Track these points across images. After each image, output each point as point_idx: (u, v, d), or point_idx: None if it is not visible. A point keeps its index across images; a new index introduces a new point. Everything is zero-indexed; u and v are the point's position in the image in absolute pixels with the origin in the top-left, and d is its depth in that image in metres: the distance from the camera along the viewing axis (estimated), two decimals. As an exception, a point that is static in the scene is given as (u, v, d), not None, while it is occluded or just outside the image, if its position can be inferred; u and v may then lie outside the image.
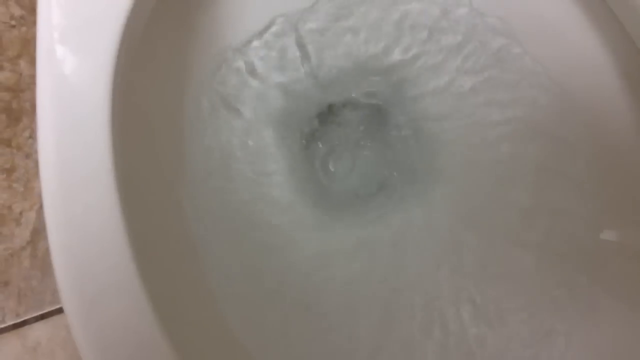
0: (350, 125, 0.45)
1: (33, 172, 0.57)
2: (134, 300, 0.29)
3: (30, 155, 0.57)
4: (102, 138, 0.30)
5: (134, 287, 0.29)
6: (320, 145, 0.44)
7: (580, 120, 0.39)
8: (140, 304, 0.29)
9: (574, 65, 0.40)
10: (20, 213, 0.57)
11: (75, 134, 0.30)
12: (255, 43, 0.42)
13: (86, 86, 0.31)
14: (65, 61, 0.31)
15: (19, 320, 0.58)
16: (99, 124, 0.30)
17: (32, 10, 0.57)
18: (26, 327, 0.59)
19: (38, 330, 0.60)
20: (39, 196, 0.54)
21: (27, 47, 0.57)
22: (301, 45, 0.42)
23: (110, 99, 0.30)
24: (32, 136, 0.57)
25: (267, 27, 0.42)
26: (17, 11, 0.56)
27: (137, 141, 0.34)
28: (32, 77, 0.56)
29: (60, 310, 0.60)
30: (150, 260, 0.30)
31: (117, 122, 0.31)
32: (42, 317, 0.60)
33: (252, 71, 0.41)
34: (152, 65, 0.36)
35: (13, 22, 0.56)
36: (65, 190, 0.29)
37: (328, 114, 0.45)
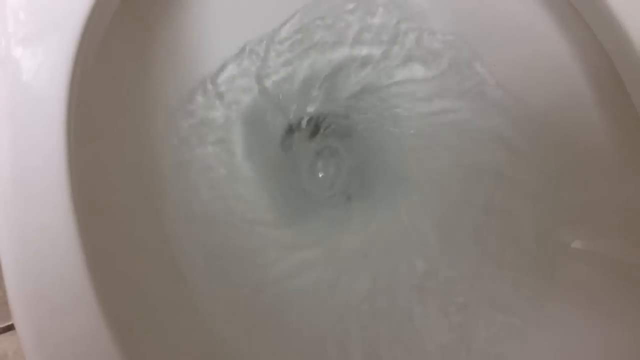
0: (316, 140, 0.45)
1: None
2: (89, 318, 0.28)
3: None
4: (59, 152, 0.29)
5: (89, 305, 0.28)
6: (290, 159, 0.44)
7: (536, 125, 0.40)
8: (96, 323, 0.28)
9: (532, 71, 0.41)
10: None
11: (31, 148, 0.29)
12: (227, 69, 0.41)
13: (43, 97, 0.30)
14: (21, 71, 0.30)
15: (-16, 332, 0.57)
16: (56, 138, 0.29)
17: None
18: (-8, 339, 0.57)
19: (4, 342, 0.58)
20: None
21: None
22: (266, 68, 0.42)
23: (67, 109, 0.30)
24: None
25: (238, 54, 0.42)
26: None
27: (96, 154, 0.34)
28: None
29: (26, 323, 0.58)
30: (108, 275, 0.29)
31: (75, 134, 0.30)
32: (9, 328, 0.59)
33: (220, 96, 0.41)
34: (113, 82, 0.36)
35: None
36: (18, 206, 0.28)
37: (295, 130, 0.45)
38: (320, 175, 0.45)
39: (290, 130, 0.44)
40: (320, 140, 0.45)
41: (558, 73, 0.40)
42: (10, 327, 0.59)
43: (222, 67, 0.41)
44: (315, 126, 0.45)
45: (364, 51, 0.43)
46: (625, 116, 0.37)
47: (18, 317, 0.28)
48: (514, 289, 0.39)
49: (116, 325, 0.28)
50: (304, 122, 0.44)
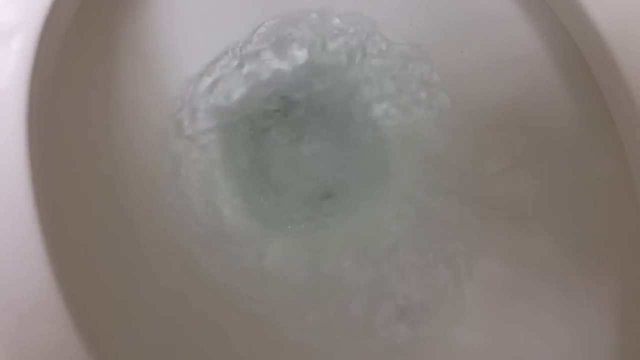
0: (295, 131, 0.45)
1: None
2: (59, 327, 0.27)
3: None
4: (21, 160, 0.29)
5: (59, 314, 0.27)
6: (268, 151, 0.44)
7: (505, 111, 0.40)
8: (66, 332, 0.27)
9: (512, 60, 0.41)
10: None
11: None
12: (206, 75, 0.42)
13: (2, 103, 0.29)
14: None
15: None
16: (17, 145, 0.29)
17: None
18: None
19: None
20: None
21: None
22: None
23: (27, 116, 0.29)
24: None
25: (216, 58, 0.42)
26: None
27: (62, 161, 0.33)
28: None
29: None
30: (76, 283, 0.28)
31: (38, 141, 0.30)
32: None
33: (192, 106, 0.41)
34: (77, 87, 0.35)
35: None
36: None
37: (269, 123, 0.44)
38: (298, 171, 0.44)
39: (265, 130, 0.44)
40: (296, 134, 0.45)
41: (524, 59, 0.40)
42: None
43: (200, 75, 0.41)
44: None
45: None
46: (592, 100, 0.37)
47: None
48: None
49: (87, 334, 0.28)
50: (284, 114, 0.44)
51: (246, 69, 0.43)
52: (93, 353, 0.28)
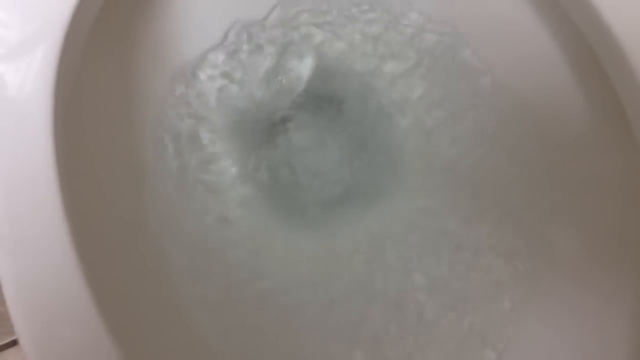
0: (310, 132, 0.45)
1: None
2: (90, 326, 0.28)
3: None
4: (48, 164, 0.30)
5: (88, 312, 0.28)
6: (281, 152, 0.44)
7: (528, 120, 0.40)
8: (96, 330, 0.28)
9: (523, 65, 0.41)
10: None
11: (19, 161, 0.29)
12: (211, 57, 0.41)
13: (29, 110, 0.30)
14: (6, 86, 0.30)
15: (-10, 346, 0.57)
16: (44, 150, 0.30)
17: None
18: (-2, 354, 0.57)
19: (10, 357, 0.59)
20: None
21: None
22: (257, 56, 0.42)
23: (53, 120, 0.30)
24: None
25: (222, 40, 0.42)
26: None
27: (86, 163, 0.34)
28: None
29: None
30: (105, 284, 0.29)
31: (63, 144, 0.31)
32: (14, 343, 0.59)
33: (208, 86, 0.41)
34: (98, 88, 0.36)
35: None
36: (10, 219, 0.29)
37: (286, 121, 0.45)
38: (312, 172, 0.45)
39: (285, 119, 0.44)
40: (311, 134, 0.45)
41: (539, 59, 0.41)
42: (16, 342, 0.59)
43: (203, 58, 0.41)
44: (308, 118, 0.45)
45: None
46: (603, 97, 0.37)
47: (18, 330, 0.28)
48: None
49: (115, 331, 0.29)
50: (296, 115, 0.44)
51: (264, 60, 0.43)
52: (121, 352, 0.29)
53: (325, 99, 0.45)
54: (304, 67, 0.44)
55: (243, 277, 0.39)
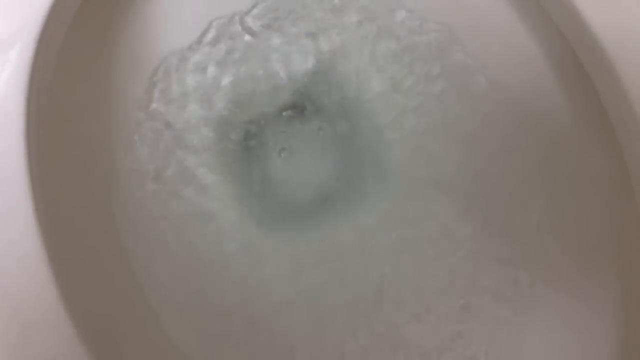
0: (293, 132, 0.44)
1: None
2: (62, 334, 0.28)
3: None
4: (20, 167, 0.29)
5: (61, 320, 0.28)
6: (261, 155, 0.44)
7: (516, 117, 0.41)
8: (69, 338, 0.28)
9: (510, 62, 0.41)
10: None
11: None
12: (189, 56, 0.41)
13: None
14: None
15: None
16: (16, 152, 0.29)
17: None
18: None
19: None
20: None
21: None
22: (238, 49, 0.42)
23: (26, 122, 0.29)
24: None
25: (203, 33, 0.41)
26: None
27: (61, 166, 0.33)
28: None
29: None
30: (76, 289, 0.29)
31: (36, 147, 0.30)
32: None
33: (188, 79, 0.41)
34: (73, 88, 0.36)
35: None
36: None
37: (268, 121, 0.44)
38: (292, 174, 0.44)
39: (267, 119, 0.44)
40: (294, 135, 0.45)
41: (523, 60, 0.41)
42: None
43: (181, 58, 0.41)
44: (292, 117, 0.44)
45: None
46: (586, 99, 0.38)
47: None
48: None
49: (89, 340, 0.28)
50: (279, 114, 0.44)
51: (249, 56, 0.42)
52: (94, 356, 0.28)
53: (308, 101, 0.44)
54: (287, 67, 0.43)
55: (218, 285, 0.38)
